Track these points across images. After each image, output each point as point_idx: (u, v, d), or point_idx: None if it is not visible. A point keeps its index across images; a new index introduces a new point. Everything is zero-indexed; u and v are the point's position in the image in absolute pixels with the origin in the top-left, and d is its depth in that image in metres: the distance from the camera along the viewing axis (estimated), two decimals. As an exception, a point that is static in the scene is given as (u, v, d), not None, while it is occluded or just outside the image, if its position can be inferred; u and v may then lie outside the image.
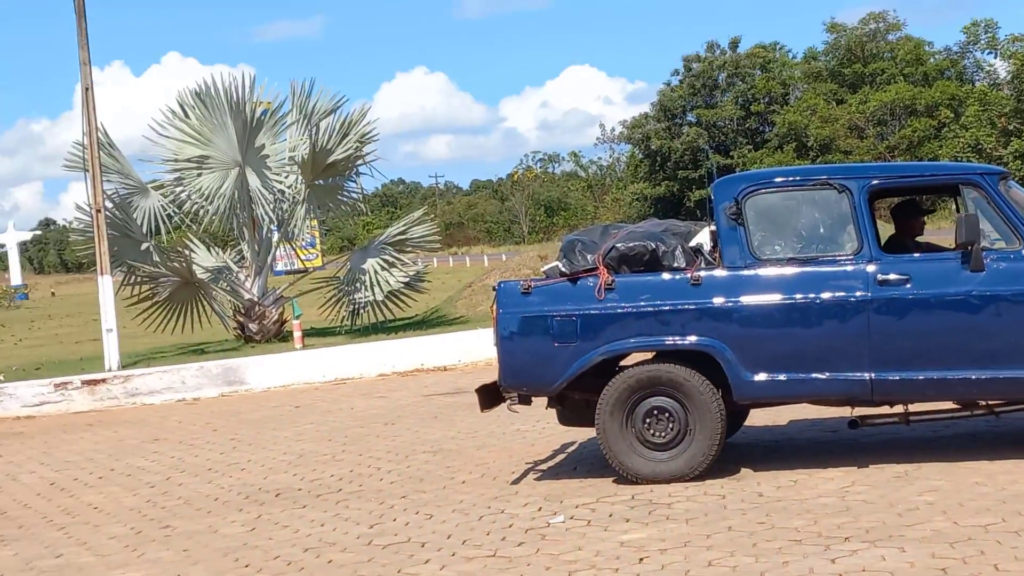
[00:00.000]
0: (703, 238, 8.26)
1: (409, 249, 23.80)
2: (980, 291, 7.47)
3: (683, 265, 7.92)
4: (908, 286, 7.52)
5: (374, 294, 22.51)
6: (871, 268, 7.60)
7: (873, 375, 7.55)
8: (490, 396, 8.44)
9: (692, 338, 7.79)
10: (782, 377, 7.67)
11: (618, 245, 8.00)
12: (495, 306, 8.20)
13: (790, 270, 7.74)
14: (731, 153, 75.82)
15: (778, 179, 8.27)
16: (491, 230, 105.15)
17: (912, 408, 8.03)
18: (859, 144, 67.48)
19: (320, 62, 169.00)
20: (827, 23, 75.69)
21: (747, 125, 77.23)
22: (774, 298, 7.71)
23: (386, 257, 22.79)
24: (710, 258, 8.07)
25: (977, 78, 68.91)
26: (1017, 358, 7.41)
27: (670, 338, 7.85)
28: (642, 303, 7.86)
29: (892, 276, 7.55)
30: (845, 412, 8.47)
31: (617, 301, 7.88)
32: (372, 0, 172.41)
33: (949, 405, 8.01)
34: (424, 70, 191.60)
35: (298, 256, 28.08)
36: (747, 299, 7.74)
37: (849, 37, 74.03)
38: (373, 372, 16.96)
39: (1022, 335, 7.41)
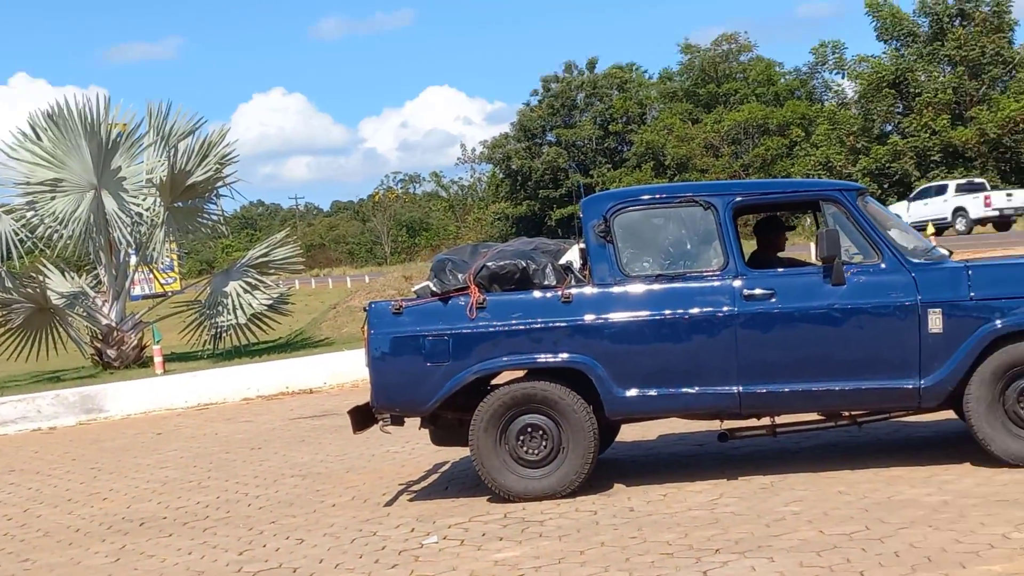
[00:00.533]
0: (573, 256, 8.35)
1: (272, 271, 23.58)
2: (841, 304, 7.66)
3: (553, 283, 7.99)
4: (773, 300, 7.71)
5: (237, 317, 22.26)
6: (737, 283, 7.76)
7: (741, 388, 7.70)
8: (362, 417, 8.39)
9: (563, 355, 7.85)
10: (653, 392, 7.77)
11: (489, 264, 8.03)
12: (366, 327, 8.16)
13: (658, 286, 7.86)
14: (591, 172, 76.63)
15: (645, 196, 8.38)
16: (353, 251, 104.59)
17: (778, 420, 8.19)
18: (715, 162, 68.76)
19: (176, 84, 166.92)
20: (681, 44, 76.77)
21: (606, 144, 78.13)
22: (643, 314, 7.80)
23: (249, 280, 22.56)
24: (580, 276, 8.14)
25: (826, 98, 70.60)
26: (877, 369, 7.63)
27: (542, 356, 7.89)
28: (513, 321, 7.90)
29: (757, 291, 7.72)
30: (714, 425, 8.63)
31: (489, 320, 7.92)
32: (228, 21, 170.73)
33: (814, 416, 8.22)
34: (282, 91, 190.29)
35: (157, 280, 27.61)
36: (617, 316, 7.83)
37: (703, 58, 75.35)
38: (237, 396, 16.75)
39: (881, 346, 7.63)
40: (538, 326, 7.87)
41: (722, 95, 73.93)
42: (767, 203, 8.76)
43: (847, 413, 8.09)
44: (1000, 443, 7.51)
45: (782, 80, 74.01)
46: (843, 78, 64.16)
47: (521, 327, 7.90)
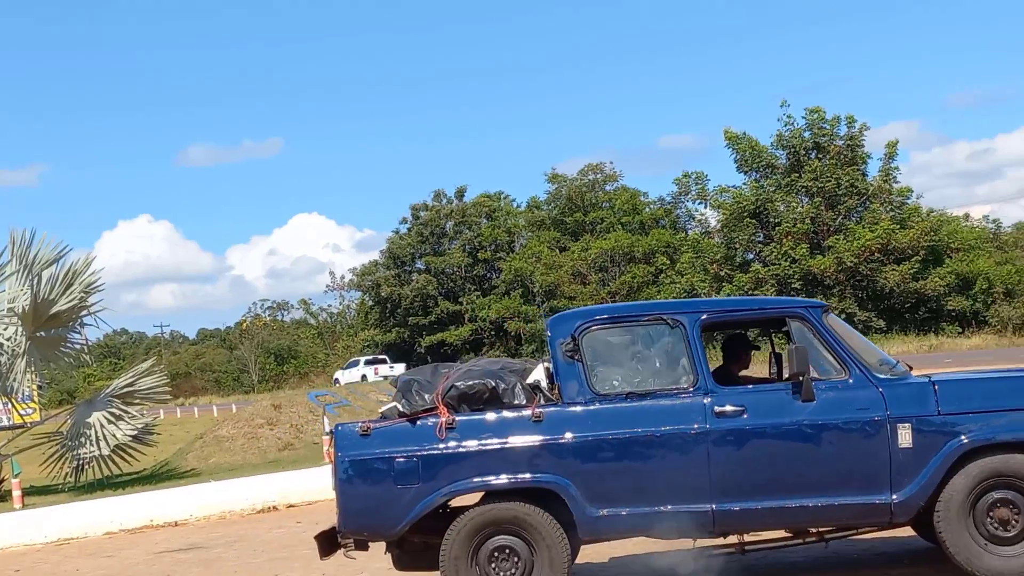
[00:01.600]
0: (539, 375, 8.28)
1: (137, 401, 23.06)
2: (811, 420, 7.71)
3: (523, 402, 7.92)
4: (744, 417, 7.71)
5: (100, 448, 21.66)
6: (707, 400, 7.77)
7: (715, 506, 7.67)
8: (328, 542, 8.17)
9: (536, 475, 7.77)
10: (626, 512, 7.70)
11: (457, 383, 7.96)
12: (332, 449, 7.99)
13: (629, 404, 7.83)
14: (460, 299, 76.95)
15: (612, 315, 8.39)
16: (220, 380, 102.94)
17: (747, 537, 8.19)
18: (582, 290, 69.60)
19: (40, 210, 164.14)
20: (548, 173, 78.30)
21: (475, 272, 78.61)
22: (615, 433, 7.75)
23: (113, 410, 22.03)
24: (549, 395, 8.08)
25: (690, 227, 72.37)
26: (850, 484, 7.66)
27: (513, 476, 7.79)
28: (484, 441, 7.81)
29: (728, 408, 7.74)
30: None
31: (459, 440, 7.82)
32: (91, 147, 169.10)
33: (782, 533, 8.23)
34: (148, 218, 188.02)
35: (15, 411, 26.78)
36: (588, 434, 7.77)
37: (569, 187, 76.75)
38: (100, 530, 16.20)
39: (853, 462, 7.67)
40: (509, 446, 7.79)
41: (589, 223, 75.19)
42: (734, 320, 8.85)
43: (815, 530, 8.09)
44: (971, 558, 7.55)
45: (647, 209, 75.52)
46: (706, 208, 65.87)
47: (492, 447, 7.80)
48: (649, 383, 7.96)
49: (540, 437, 7.78)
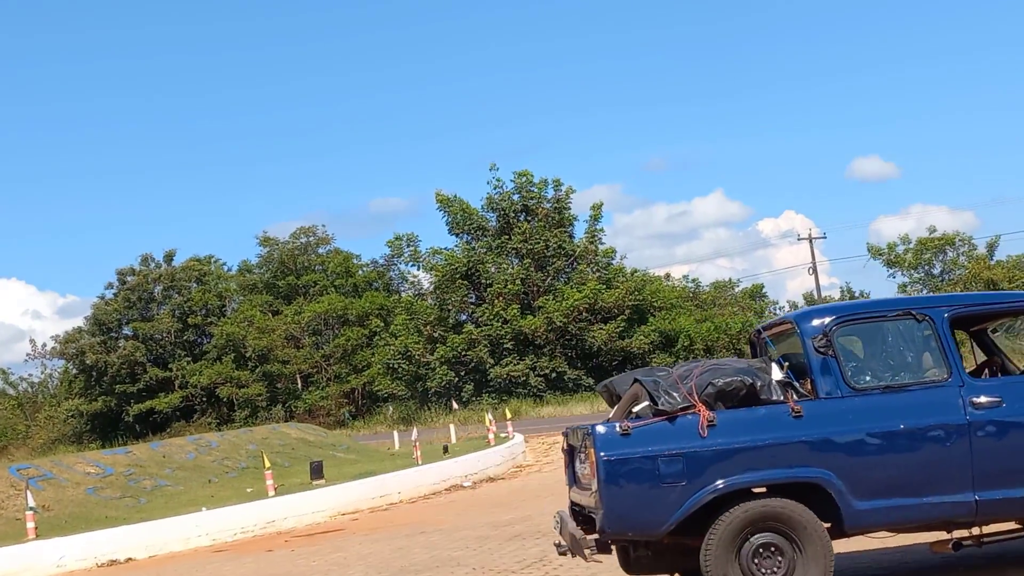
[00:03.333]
0: (776, 373, 8.20)
1: None
2: None
3: (779, 398, 7.90)
4: (1003, 407, 7.87)
5: None
6: (963, 392, 7.89)
7: (978, 496, 7.76)
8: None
9: (801, 470, 7.74)
10: (890, 504, 7.77)
11: (715, 381, 7.94)
12: (592, 451, 7.85)
13: (886, 398, 7.91)
14: (170, 365, 74.67)
15: (862, 310, 8.52)
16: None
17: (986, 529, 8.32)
18: (296, 353, 68.95)
19: None
20: (260, 236, 77.38)
21: (185, 337, 76.52)
22: (876, 426, 7.81)
23: None
24: (802, 390, 8.09)
25: (403, 288, 72.81)
26: None
27: (780, 471, 7.75)
28: (746, 438, 7.77)
29: (984, 399, 7.88)
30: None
31: (722, 437, 7.77)
32: None
33: (1011, 525, 8.33)
34: None
35: None
36: (850, 428, 7.82)
37: (282, 250, 76.08)
38: None
39: None
40: (772, 442, 7.76)
41: (302, 286, 74.66)
42: (981, 314, 8.94)
43: None
44: None
45: (360, 272, 75.68)
46: (419, 269, 66.41)
47: (754, 443, 7.76)
48: (903, 376, 8.11)
49: (802, 432, 7.81)
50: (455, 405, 48.81)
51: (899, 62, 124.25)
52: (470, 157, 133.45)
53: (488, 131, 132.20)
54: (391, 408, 60.93)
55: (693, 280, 70.59)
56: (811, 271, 63.29)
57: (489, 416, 32.30)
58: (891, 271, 66.59)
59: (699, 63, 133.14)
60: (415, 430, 29.72)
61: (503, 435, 31.55)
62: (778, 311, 74.15)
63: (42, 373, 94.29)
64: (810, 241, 63.95)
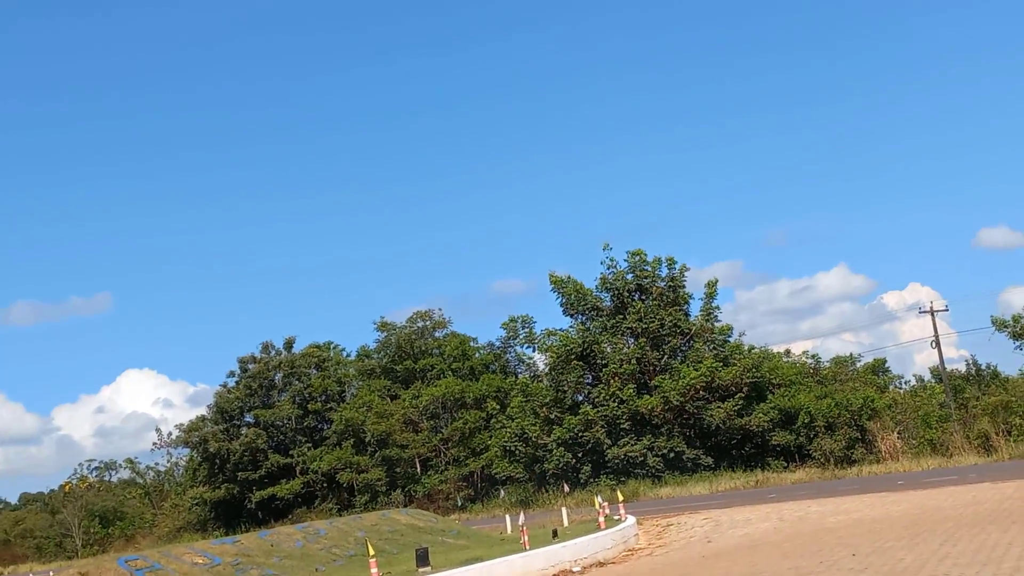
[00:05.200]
0: None
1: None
2: None
3: None
4: None
5: None
6: None
7: None
8: None
9: None
10: None
11: None
12: None
13: None
14: (291, 452, 75.42)
15: None
16: (41, 546, 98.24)
17: None
18: (414, 437, 69.13)
19: None
20: (377, 322, 78.27)
21: (305, 423, 77.32)
22: None
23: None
24: None
25: (519, 370, 72.77)
26: None
27: None
28: None
29: None
30: None
31: None
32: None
33: None
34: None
35: None
36: None
37: (399, 335, 76.67)
38: None
39: None
40: None
41: (419, 371, 75.04)
42: None
43: None
44: None
45: (477, 355, 75.80)
46: (534, 351, 66.30)
47: None
48: None
49: None
50: (566, 487, 48.32)
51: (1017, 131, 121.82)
52: (589, 238, 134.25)
53: (609, 211, 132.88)
54: (502, 492, 60.62)
55: (813, 356, 69.21)
56: (934, 344, 61.60)
57: (599, 499, 31.80)
58: (1018, 343, 64.46)
59: (820, 136, 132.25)
60: (522, 514, 29.38)
61: (615, 518, 31.04)
62: (903, 385, 72.40)
63: (168, 462, 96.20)
64: (932, 313, 62.32)
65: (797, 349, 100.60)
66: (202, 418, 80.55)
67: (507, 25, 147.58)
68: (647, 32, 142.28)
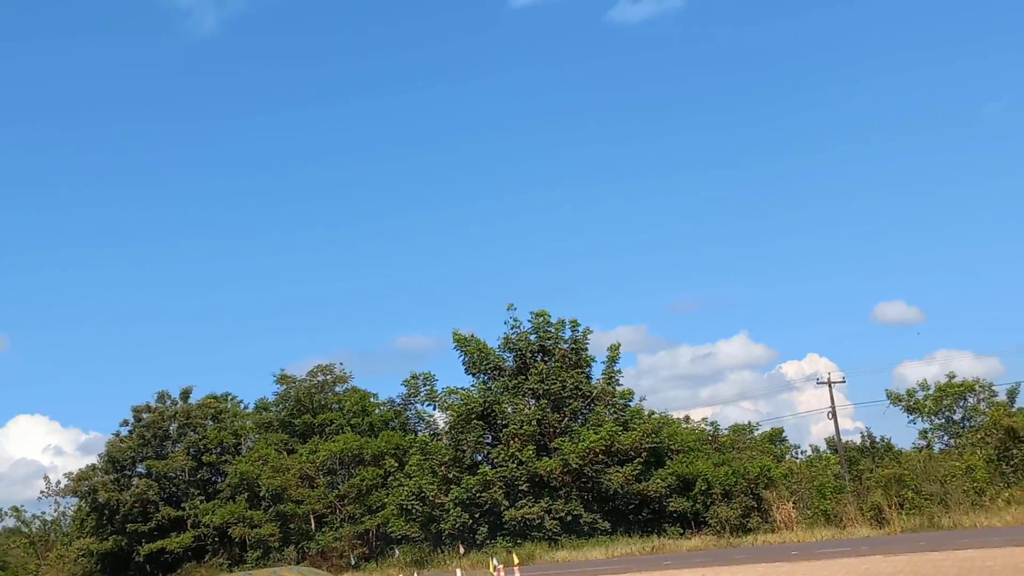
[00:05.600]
0: None
1: None
2: None
3: None
4: None
5: None
6: None
7: None
8: None
9: None
10: None
11: None
12: None
13: None
14: (183, 504, 73.83)
15: None
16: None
17: None
18: (310, 493, 68.17)
19: None
20: (277, 374, 76.94)
21: (199, 475, 75.77)
22: None
23: None
24: None
25: (419, 428, 72.14)
26: None
27: None
28: None
29: None
30: None
31: None
32: None
33: None
34: None
35: None
36: None
37: (298, 388, 75.69)
38: None
39: None
40: None
41: (318, 425, 74.13)
42: None
43: None
44: None
45: (377, 411, 75.11)
46: (435, 409, 65.88)
47: None
48: None
49: None
50: (461, 549, 47.93)
51: (922, 209, 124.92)
52: (498, 298, 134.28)
53: (517, 272, 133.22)
54: (397, 552, 59.93)
55: (712, 423, 69.77)
56: (830, 415, 62.47)
57: (494, 561, 31.57)
58: (911, 417, 65.74)
59: (723, 207, 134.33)
60: (416, 574, 29.03)
61: (511, 581, 30.78)
62: (799, 455, 73.16)
63: (55, 511, 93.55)
64: (829, 385, 63.24)
65: (697, 415, 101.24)
66: (92, 467, 78.62)
67: (407, 80, 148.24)
68: (555, 88, 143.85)
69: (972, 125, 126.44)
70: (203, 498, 74.18)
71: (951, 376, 65.39)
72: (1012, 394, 63.37)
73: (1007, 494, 46.95)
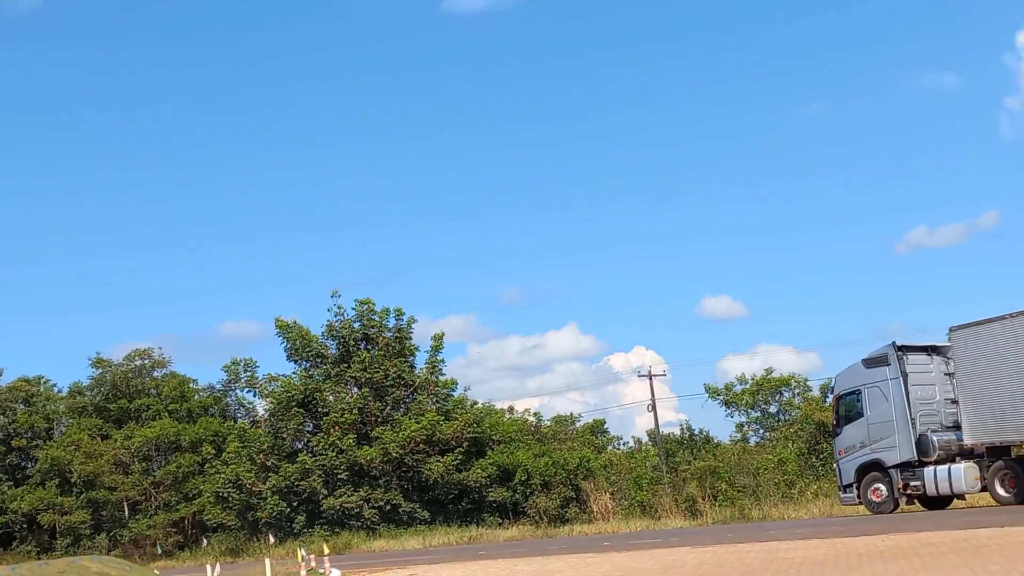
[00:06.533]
0: None
1: None
2: None
3: None
4: None
5: None
6: None
7: None
8: None
9: None
10: None
11: None
12: None
13: None
14: (-10, 491, 71.08)
15: None
16: None
17: None
18: (124, 480, 66.38)
19: None
20: (92, 358, 74.44)
21: (8, 460, 73.02)
22: None
23: None
24: None
25: (239, 415, 70.81)
26: None
27: None
28: None
29: None
30: None
31: None
32: None
33: None
34: None
35: None
36: None
37: (114, 373, 73.42)
38: None
39: None
40: None
41: (134, 410, 72.10)
42: None
43: None
44: None
45: (196, 397, 73.47)
46: (255, 396, 64.75)
47: None
48: None
49: None
50: (272, 538, 47.13)
51: (749, 207, 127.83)
52: (327, 286, 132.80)
53: (347, 260, 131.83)
54: (205, 541, 58.73)
55: (535, 414, 70.14)
56: (650, 408, 63.25)
57: (302, 551, 31.00)
58: (728, 410, 67.11)
59: (553, 200, 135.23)
60: (218, 565, 28.32)
61: (320, 571, 30.27)
62: (621, 447, 74.03)
63: None
64: (650, 378, 64.09)
65: (527, 405, 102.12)
66: None
67: (244, 76, 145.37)
68: (388, 76, 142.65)
69: (794, 125, 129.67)
70: (11, 484, 71.56)
71: (768, 371, 66.94)
72: (825, 389, 65.14)
73: (815, 487, 48.07)
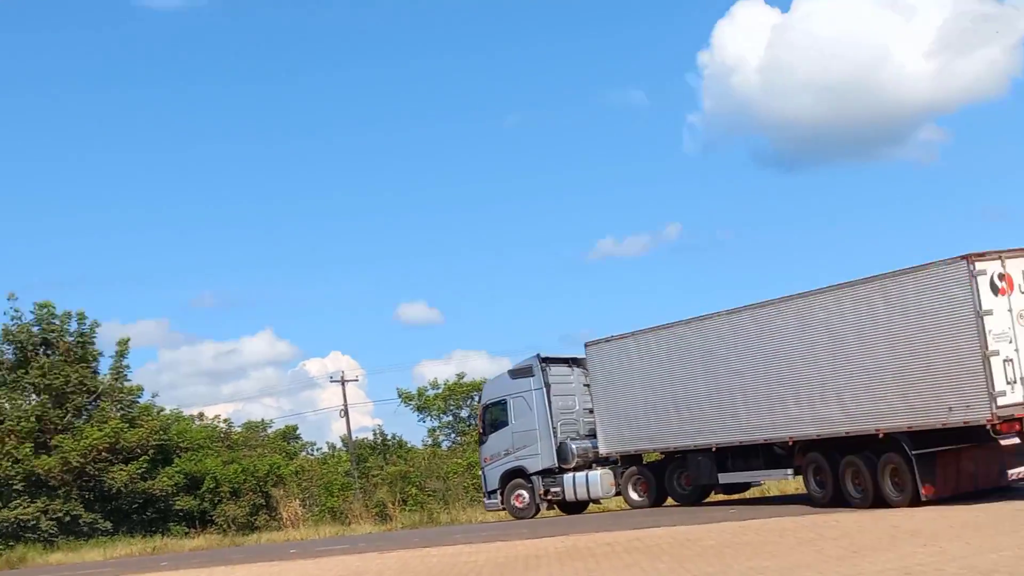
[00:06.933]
0: None
1: None
2: None
3: None
4: None
5: None
6: None
7: None
8: None
9: None
10: None
11: None
12: None
13: None
14: None
15: None
16: None
17: None
18: None
19: None
20: None
21: None
22: None
23: None
24: None
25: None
26: None
27: None
28: None
29: None
30: None
31: None
32: None
33: None
34: None
35: None
36: None
37: None
38: None
39: None
40: None
41: None
42: None
43: None
44: None
45: None
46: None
47: None
48: None
49: None
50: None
51: (447, 213, 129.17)
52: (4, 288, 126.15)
53: (28, 263, 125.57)
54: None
55: (226, 420, 68.89)
56: (342, 414, 63.36)
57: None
58: (421, 415, 67.92)
59: (248, 208, 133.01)
60: None
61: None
62: (315, 452, 73.70)
63: None
64: (342, 383, 64.24)
65: (221, 411, 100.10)
66: None
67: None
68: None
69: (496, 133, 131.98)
70: None
71: (460, 376, 68.11)
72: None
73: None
